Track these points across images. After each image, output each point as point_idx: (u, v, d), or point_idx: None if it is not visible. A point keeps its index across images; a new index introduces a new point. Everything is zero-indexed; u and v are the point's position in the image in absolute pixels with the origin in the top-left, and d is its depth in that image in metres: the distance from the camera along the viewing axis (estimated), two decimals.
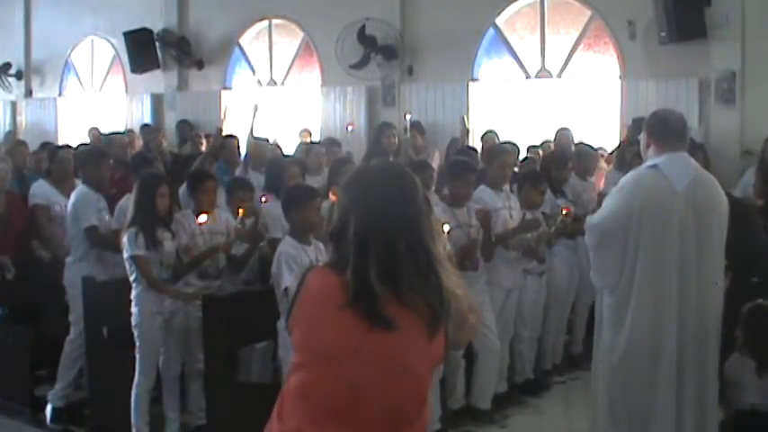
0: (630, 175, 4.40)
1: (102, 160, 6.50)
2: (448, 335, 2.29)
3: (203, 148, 9.87)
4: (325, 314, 2.22)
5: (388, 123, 10.01)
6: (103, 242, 6.14)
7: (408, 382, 2.25)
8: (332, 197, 5.90)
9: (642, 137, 4.41)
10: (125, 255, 5.40)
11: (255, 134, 8.91)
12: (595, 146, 8.14)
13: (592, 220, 4.47)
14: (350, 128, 10.88)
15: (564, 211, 6.39)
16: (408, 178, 2.35)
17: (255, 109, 8.84)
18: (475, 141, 9.96)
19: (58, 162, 7.16)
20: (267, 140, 9.01)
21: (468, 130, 9.54)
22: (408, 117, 9.70)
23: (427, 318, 2.22)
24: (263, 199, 6.60)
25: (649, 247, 4.15)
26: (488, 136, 9.38)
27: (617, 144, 8.94)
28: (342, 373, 2.20)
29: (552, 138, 9.31)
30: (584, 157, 7.61)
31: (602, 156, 8.80)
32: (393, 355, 2.20)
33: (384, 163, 2.83)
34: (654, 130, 4.30)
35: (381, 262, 2.20)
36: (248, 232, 5.80)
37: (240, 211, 5.80)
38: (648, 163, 4.28)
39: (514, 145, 8.36)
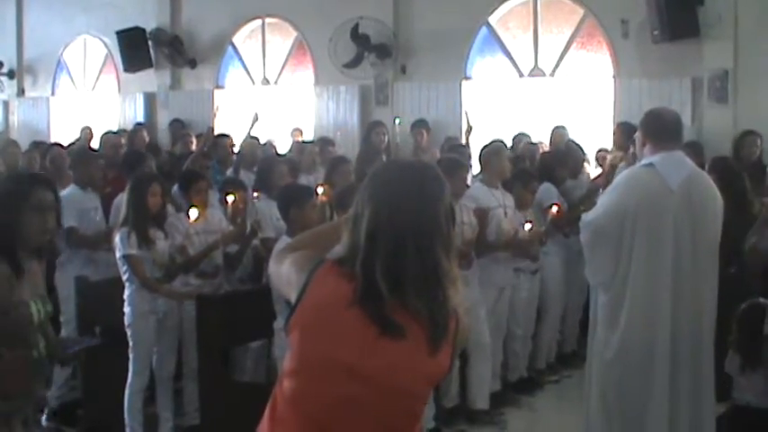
0: (625, 173, 4.41)
1: (92, 159, 6.47)
2: (453, 353, 2.21)
3: (193, 147, 9.83)
4: (331, 319, 2.14)
5: (378, 121, 10.00)
6: (82, 242, 6.09)
7: (407, 402, 2.20)
8: (322, 197, 5.88)
9: (638, 135, 4.41)
10: (117, 254, 5.38)
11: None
12: (591, 145, 8.11)
13: (586, 217, 4.48)
14: (338, 134, 10.85)
15: (555, 209, 6.40)
16: (434, 181, 2.22)
17: (255, 118, 8.86)
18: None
19: (51, 160, 7.13)
20: (257, 139, 8.99)
21: (471, 128, 9.46)
22: (397, 121, 9.67)
23: (430, 330, 2.13)
24: (255, 194, 6.59)
25: (644, 246, 4.15)
26: (518, 138, 9.16)
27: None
28: (339, 386, 2.13)
29: (545, 136, 9.31)
30: (574, 155, 7.61)
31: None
32: (396, 374, 2.13)
33: (416, 161, 2.75)
34: (649, 129, 4.31)
35: (388, 260, 2.11)
36: (237, 233, 5.78)
37: (229, 199, 5.80)
38: (644, 161, 4.28)
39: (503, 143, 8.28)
